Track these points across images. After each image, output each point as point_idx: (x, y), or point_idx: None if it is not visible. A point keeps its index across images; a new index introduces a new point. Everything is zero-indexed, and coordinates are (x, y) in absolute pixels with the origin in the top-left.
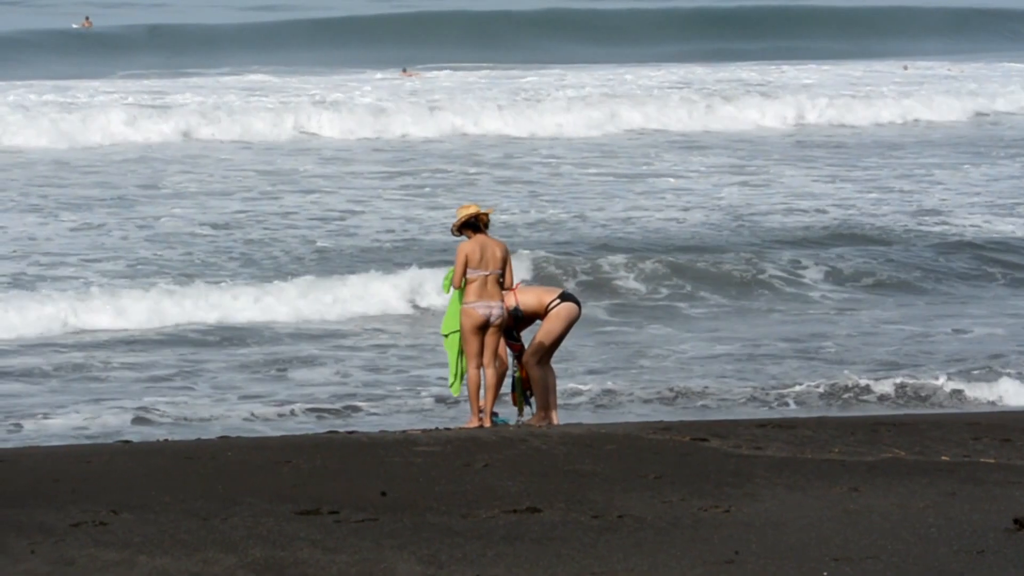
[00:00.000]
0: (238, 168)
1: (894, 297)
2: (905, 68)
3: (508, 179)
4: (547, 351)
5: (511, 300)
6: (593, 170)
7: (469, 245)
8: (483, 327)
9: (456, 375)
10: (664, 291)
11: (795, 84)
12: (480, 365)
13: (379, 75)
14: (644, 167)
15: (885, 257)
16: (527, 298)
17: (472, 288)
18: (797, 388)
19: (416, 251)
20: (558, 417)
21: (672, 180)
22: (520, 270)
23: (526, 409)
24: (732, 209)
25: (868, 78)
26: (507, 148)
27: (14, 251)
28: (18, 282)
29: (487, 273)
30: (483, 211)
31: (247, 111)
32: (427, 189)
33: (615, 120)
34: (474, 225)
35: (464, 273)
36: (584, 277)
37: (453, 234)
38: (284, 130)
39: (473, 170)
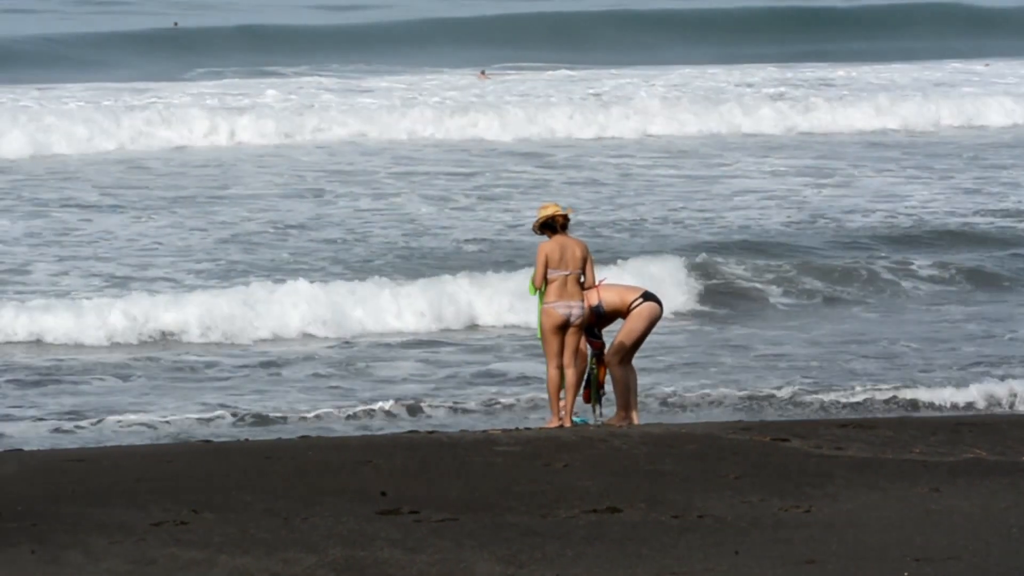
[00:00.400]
0: (313, 168)
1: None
2: (987, 65)
3: (591, 180)
4: (629, 351)
5: (593, 298)
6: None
7: (549, 245)
8: (563, 327)
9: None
10: (779, 290)
11: (877, 85)
12: (560, 365)
13: (455, 76)
14: (769, 176)
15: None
16: (610, 296)
17: (552, 288)
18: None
19: (502, 251)
20: (639, 417)
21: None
22: (677, 277)
23: (598, 408)
24: (818, 211)
25: (952, 78)
26: (590, 148)
27: (105, 252)
28: (114, 283)
29: (567, 273)
30: (562, 211)
31: (319, 111)
32: (499, 191)
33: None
34: (552, 225)
35: (545, 274)
36: (724, 281)
37: (534, 232)
38: (349, 132)
39: (572, 172)
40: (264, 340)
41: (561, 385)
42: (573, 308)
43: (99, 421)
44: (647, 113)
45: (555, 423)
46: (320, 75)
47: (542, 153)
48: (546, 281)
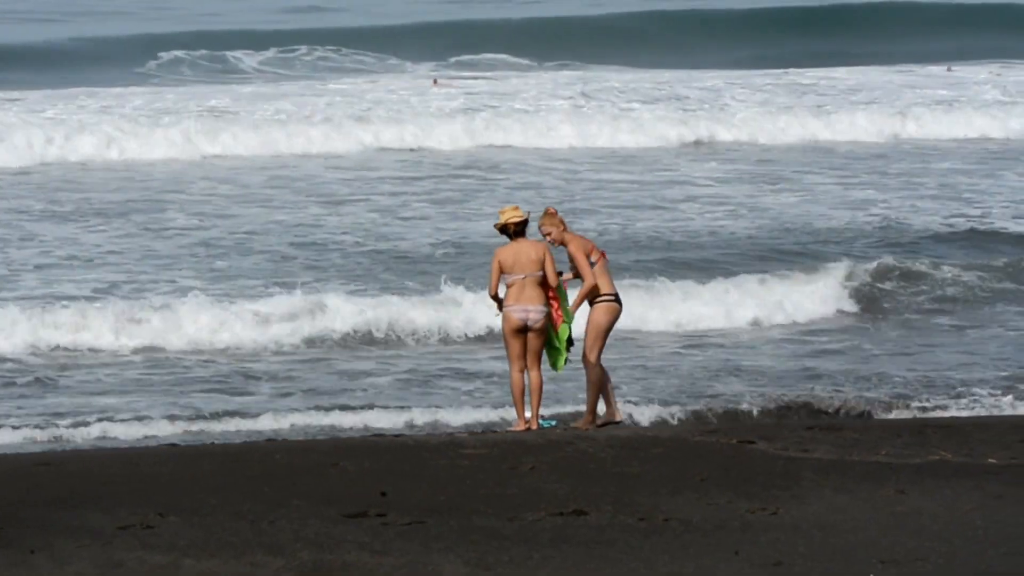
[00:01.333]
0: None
1: None
2: (949, 70)
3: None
4: (601, 348)
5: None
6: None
7: (503, 251)
8: (522, 330)
9: (557, 357)
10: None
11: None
12: (523, 368)
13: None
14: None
15: None
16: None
17: (511, 292)
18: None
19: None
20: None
21: None
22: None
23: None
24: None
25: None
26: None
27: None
28: (180, 289)
29: (522, 277)
30: (516, 218)
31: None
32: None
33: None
34: (507, 232)
35: (498, 280)
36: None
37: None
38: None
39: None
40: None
41: (525, 388)
42: (531, 312)
43: (74, 425)
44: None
45: (522, 426)
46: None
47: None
48: (507, 286)
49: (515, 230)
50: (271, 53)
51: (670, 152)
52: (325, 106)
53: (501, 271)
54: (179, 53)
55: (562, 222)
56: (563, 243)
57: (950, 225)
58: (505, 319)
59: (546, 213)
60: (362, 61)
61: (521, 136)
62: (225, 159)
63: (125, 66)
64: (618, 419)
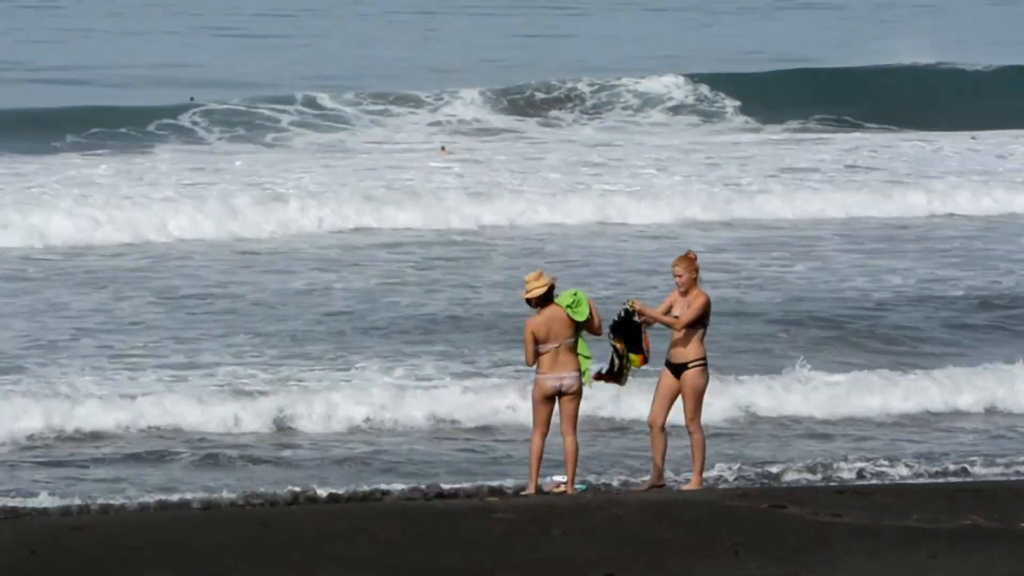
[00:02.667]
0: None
1: None
2: (974, 138)
3: None
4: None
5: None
6: None
7: (535, 321)
8: (553, 397)
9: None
10: None
11: None
12: (545, 434)
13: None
14: None
15: None
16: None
17: (544, 360)
18: None
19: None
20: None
21: None
22: None
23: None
24: None
25: None
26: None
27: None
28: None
29: (556, 345)
30: (532, 292)
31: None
32: None
33: None
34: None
35: (535, 351)
36: None
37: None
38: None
39: None
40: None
41: (542, 455)
42: (564, 379)
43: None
44: None
45: (532, 490)
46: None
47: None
48: (541, 354)
49: (538, 302)
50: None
51: None
52: None
53: (536, 341)
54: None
55: (696, 270)
56: (688, 290)
57: None
58: (538, 386)
59: (686, 256)
60: None
61: None
62: None
63: None
64: (661, 484)
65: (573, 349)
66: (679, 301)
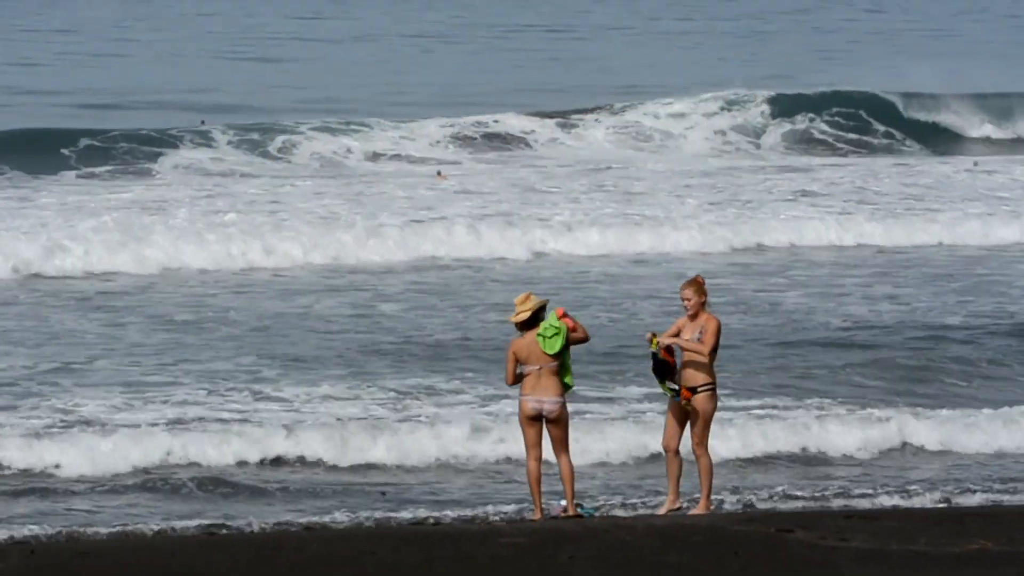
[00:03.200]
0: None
1: None
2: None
3: None
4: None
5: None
6: None
7: (518, 343)
8: (537, 419)
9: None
10: None
11: None
12: (539, 456)
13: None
14: None
15: None
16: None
17: (527, 381)
18: None
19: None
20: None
21: None
22: None
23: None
24: None
25: None
26: None
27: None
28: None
29: (537, 368)
30: (517, 317)
31: None
32: None
33: None
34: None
35: (515, 372)
36: None
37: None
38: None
39: None
40: None
41: (541, 477)
42: (544, 403)
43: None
44: None
45: (538, 516)
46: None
47: None
48: (524, 375)
49: (522, 324)
50: None
51: None
52: None
53: (517, 362)
54: None
55: (705, 293)
56: (696, 314)
57: None
58: (520, 407)
59: (694, 280)
60: None
61: None
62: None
63: None
64: (678, 506)
65: (556, 373)
66: (688, 325)
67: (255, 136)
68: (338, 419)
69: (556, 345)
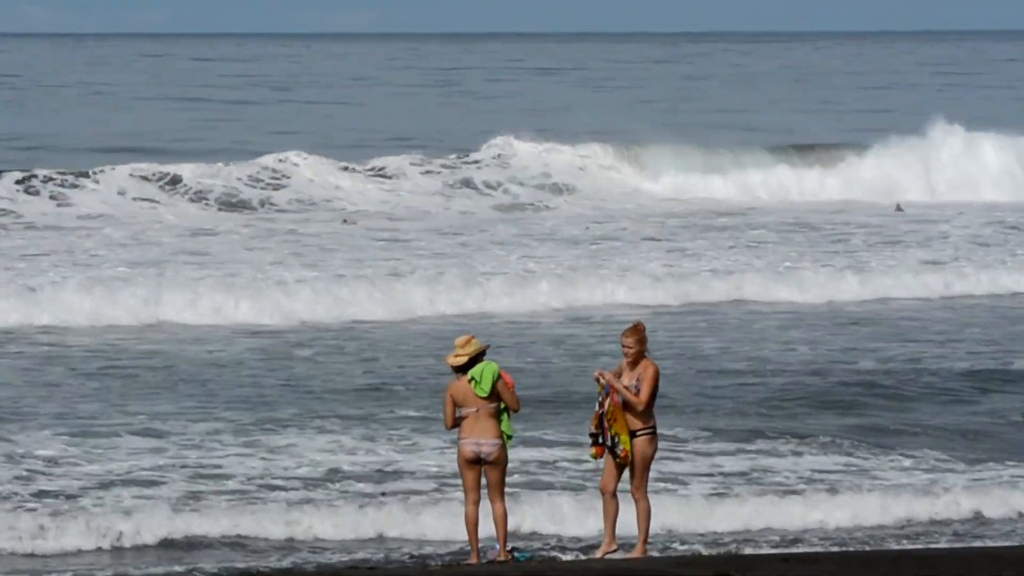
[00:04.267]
0: None
1: None
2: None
3: None
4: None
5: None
6: None
7: (455, 385)
8: (476, 462)
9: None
10: None
11: None
12: (477, 500)
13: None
14: None
15: None
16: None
17: (464, 424)
18: None
19: None
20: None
21: None
22: None
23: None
24: None
25: None
26: None
27: None
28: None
29: (475, 410)
30: (452, 361)
31: None
32: None
33: None
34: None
35: (453, 413)
36: None
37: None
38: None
39: None
40: None
41: (478, 522)
42: (483, 445)
43: None
44: None
45: (474, 560)
46: None
47: None
48: (462, 418)
49: (459, 367)
50: None
51: None
52: None
53: (455, 404)
54: None
55: (645, 340)
56: (636, 361)
57: None
58: (458, 451)
59: (635, 327)
60: None
61: None
62: None
63: None
64: (614, 549)
65: (494, 415)
66: (627, 372)
67: None
68: None
69: (486, 387)
